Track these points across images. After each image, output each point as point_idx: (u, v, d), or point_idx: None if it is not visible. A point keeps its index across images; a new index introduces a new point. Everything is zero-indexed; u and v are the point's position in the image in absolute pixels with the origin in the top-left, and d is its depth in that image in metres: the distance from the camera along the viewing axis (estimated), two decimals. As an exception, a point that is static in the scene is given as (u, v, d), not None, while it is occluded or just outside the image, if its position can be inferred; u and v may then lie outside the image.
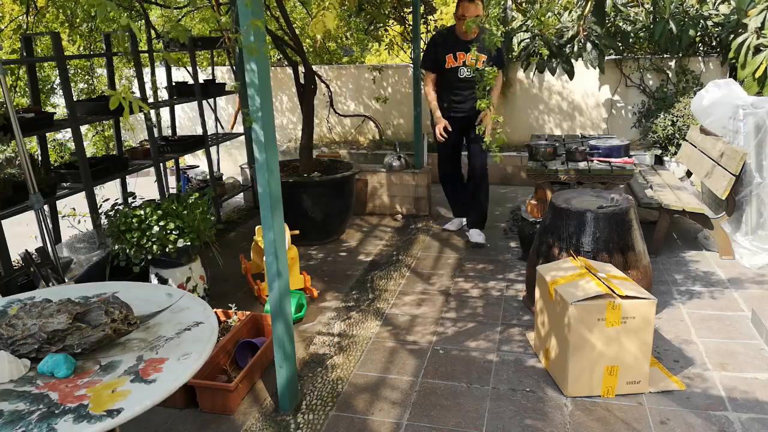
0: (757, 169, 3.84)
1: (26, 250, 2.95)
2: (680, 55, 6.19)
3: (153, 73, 4.54)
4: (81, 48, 5.63)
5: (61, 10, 4.66)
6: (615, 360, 2.49)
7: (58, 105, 5.92)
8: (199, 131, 5.14)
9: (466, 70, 4.13)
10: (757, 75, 4.97)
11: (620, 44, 6.16)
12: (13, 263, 3.10)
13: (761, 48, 5.01)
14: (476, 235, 4.45)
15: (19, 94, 5.30)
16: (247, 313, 3.05)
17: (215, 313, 2.06)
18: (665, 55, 6.32)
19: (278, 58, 6.57)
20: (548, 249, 3.16)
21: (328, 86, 6.15)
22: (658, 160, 6.05)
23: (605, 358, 2.48)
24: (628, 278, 2.66)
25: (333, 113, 6.63)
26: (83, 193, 3.64)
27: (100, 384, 1.48)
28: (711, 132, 4.30)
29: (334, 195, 4.56)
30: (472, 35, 4.01)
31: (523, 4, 6.32)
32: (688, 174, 5.40)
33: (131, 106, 1.65)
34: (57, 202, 3.69)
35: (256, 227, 3.65)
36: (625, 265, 3.01)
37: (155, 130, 4.67)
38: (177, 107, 6.60)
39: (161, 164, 4.53)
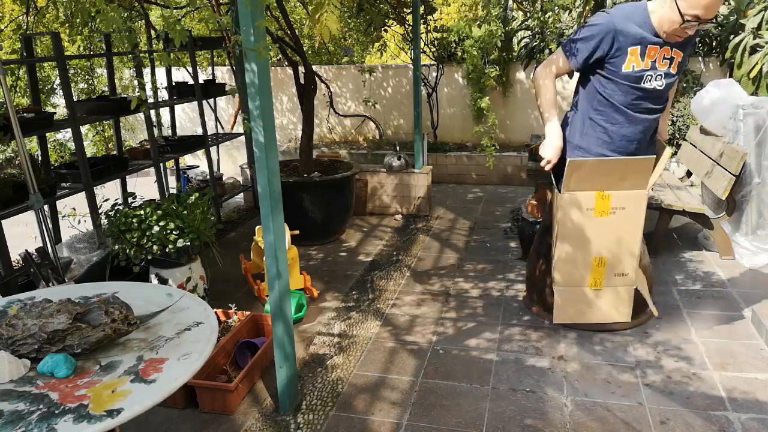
0: (757, 169, 3.84)
1: (26, 250, 2.95)
2: (680, 55, 6.18)
3: (153, 73, 4.54)
4: (81, 48, 5.64)
5: (61, 10, 4.66)
6: (603, 250, 2.44)
7: (58, 105, 5.92)
8: (199, 131, 5.14)
9: (655, 77, 2.49)
10: (752, 75, 4.97)
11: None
12: (13, 263, 3.11)
13: (757, 48, 5.01)
14: None
15: (19, 94, 5.30)
16: (247, 313, 3.05)
17: (215, 313, 2.06)
18: (665, 55, 6.31)
19: (278, 58, 6.57)
20: (548, 249, 3.15)
21: (328, 86, 6.15)
22: (658, 160, 6.05)
23: (593, 248, 2.44)
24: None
25: (333, 113, 6.62)
26: (83, 193, 3.64)
27: (100, 384, 1.48)
28: (711, 132, 4.30)
29: (334, 195, 4.56)
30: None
31: (524, 3, 6.32)
32: (688, 174, 5.40)
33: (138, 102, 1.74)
34: (57, 202, 3.69)
35: (256, 227, 3.65)
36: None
37: (155, 131, 4.67)
38: (177, 107, 6.60)
39: (161, 164, 4.53)
